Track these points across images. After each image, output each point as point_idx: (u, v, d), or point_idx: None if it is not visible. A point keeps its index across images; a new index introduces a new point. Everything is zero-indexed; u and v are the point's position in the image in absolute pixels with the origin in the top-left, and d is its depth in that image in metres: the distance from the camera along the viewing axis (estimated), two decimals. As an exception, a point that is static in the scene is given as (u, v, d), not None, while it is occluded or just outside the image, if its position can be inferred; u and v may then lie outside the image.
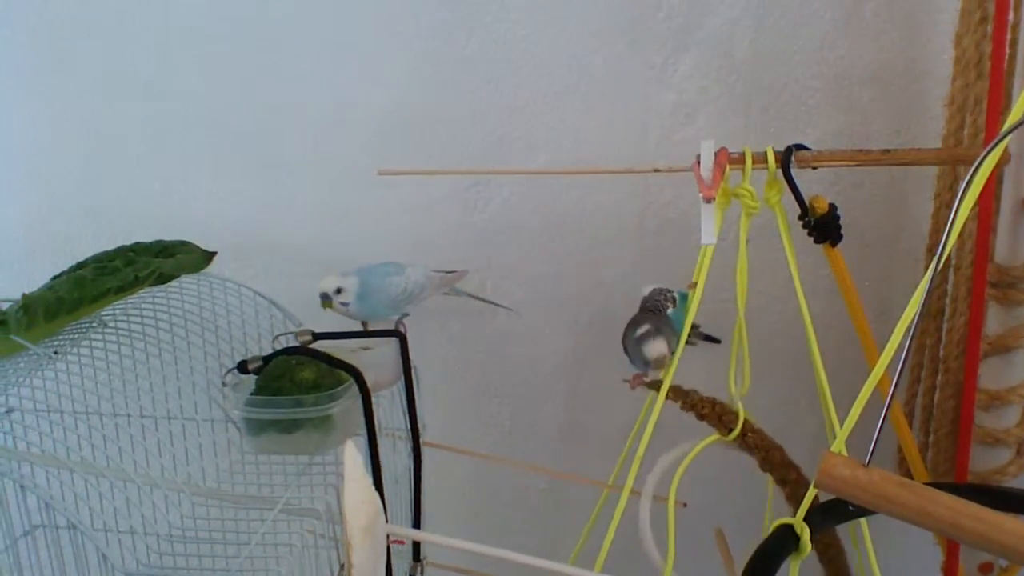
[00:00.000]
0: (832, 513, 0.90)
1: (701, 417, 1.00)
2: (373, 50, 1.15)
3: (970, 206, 0.72)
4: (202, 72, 1.17)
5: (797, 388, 1.22)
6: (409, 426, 1.03)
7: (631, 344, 0.97)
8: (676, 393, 1.00)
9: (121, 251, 0.99)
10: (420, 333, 1.08)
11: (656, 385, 0.98)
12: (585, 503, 1.17)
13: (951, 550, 1.08)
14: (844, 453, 0.81)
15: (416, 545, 1.06)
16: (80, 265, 0.96)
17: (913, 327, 0.69)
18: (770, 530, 0.85)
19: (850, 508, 0.88)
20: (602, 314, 1.23)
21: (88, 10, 1.15)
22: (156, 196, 1.21)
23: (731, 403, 1.01)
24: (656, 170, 1.03)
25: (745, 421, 1.00)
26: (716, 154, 0.96)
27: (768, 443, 1.03)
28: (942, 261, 0.70)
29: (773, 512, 1.09)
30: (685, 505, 0.99)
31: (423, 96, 1.16)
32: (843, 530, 1.09)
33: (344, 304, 1.02)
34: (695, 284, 0.96)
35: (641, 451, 0.96)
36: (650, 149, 1.18)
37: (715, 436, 1.01)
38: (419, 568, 1.06)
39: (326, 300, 1.02)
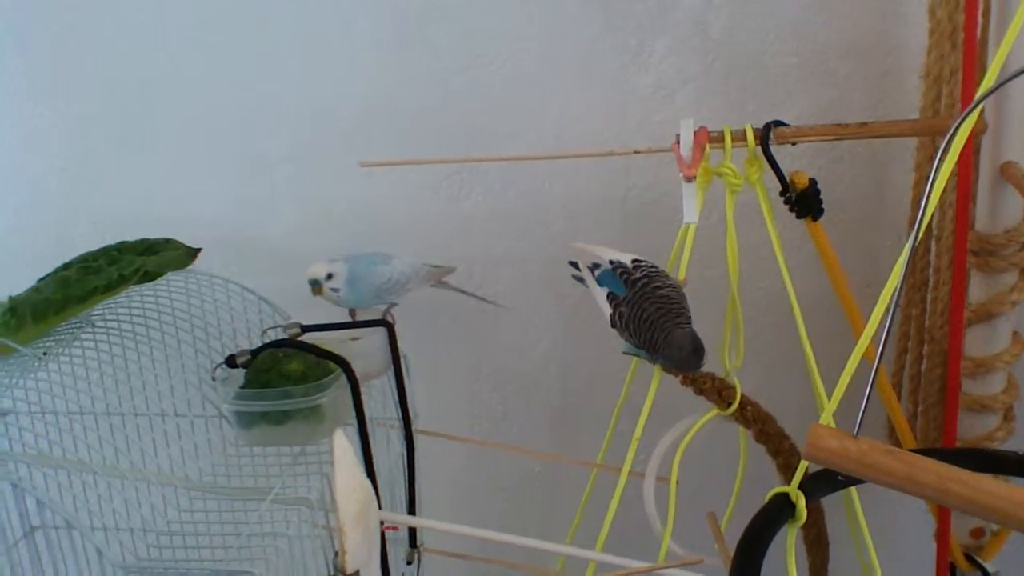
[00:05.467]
0: (825, 481, 0.91)
1: (700, 392, 1.01)
2: (346, 43, 1.15)
3: (947, 175, 0.73)
4: (183, 75, 1.17)
5: (787, 363, 1.23)
6: (400, 414, 1.04)
7: (683, 357, 0.90)
8: None
9: (106, 250, 0.99)
10: (411, 322, 1.08)
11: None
12: (581, 485, 1.17)
13: (943, 517, 1.09)
14: (832, 424, 0.82)
15: (412, 531, 1.07)
16: (65, 266, 0.96)
17: (896, 297, 0.70)
18: (766, 499, 0.86)
19: (840, 478, 0.88)
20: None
21: (71, 13, 1.15)
22: (142, 197, 1.21)
23: (726, 377, 1.01)
24: (637, 151, 1.04)
25: (742, 395, 1.00)
26: (695, 133, 0.97)
27: (764, 415, 1.04)
28: (921, 231, 0.70)
29: (743, 482, 1.10)
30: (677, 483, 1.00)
31: (399, 87, 1.16)
32: (837, 499, 1.10)
33: (335, 290, 1.01)
34: (686, 282, 0.96)
35: (638, 432, 0.97)
36: (630, 131, 1.18)
37: (714, 411, 1.01)
38: (416, 554, 1.07)
39: (316, 287, 1.01)
